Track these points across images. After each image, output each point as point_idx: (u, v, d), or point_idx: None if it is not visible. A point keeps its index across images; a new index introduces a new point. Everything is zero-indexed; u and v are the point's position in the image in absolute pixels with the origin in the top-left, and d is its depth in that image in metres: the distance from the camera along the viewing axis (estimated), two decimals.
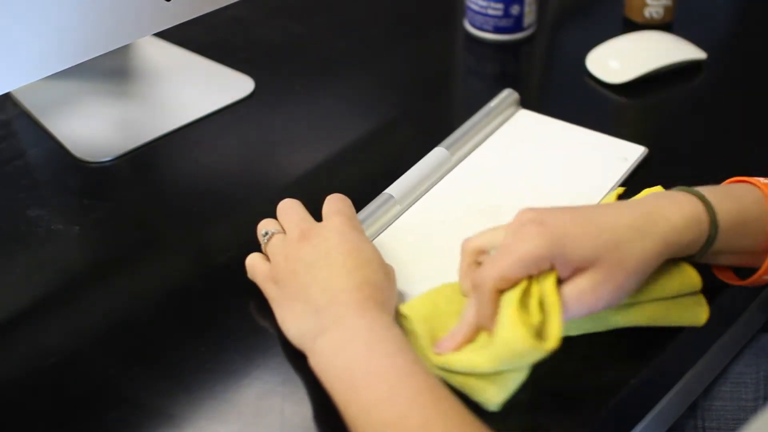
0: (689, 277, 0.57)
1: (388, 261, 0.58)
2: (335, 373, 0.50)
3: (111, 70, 0.89)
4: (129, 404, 0.55)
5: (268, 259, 0.60)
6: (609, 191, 0.68)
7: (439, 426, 0.46)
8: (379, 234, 0.66)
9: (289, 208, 0.62)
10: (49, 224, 0.70)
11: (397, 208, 0.67)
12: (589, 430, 0.53)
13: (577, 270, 0.51)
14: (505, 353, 0.50)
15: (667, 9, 0.95)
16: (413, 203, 0.69)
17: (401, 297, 0.59)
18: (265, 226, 0.62)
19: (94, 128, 0.81)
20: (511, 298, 0.50)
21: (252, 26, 0.98)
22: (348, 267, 0.54)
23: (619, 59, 0.87)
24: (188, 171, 0.78)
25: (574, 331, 0.56)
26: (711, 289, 0.61)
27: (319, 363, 0.52)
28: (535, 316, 0.50)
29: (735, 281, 0.60)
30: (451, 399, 0.48)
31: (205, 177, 0.76)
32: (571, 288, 0.51)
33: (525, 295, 0.51)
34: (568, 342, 0.55)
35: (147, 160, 0.77)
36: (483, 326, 0.53)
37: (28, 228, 0.69)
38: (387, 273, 0.56)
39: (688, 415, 0.68)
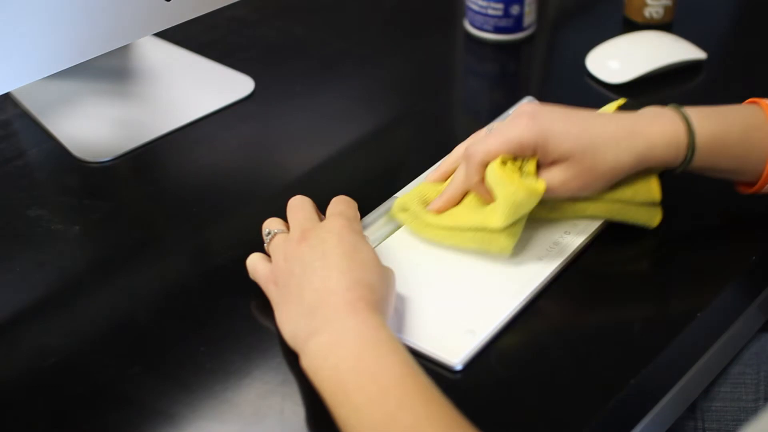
0: (651, 190, 0.63)
1: (392, 265, 0.58)
2: (325, 374, 0.50)
3: (111, 70, 0.89)
4: (129, 404, 0.55)
5: (270, 258, 0.60)
6: None
7: (429, 427, 0.46)
8: (386, 238, 0.65)
9: (297, 207, 0.62)
10: (49, 224, 0.70)
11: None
12: (589, 430, 0.53)
13: (555, 162, 0.59)
14: (511, 207, 0.58)
15: (667, 9, 0.95)
16: None
17: (404, 301, 0.59)
18: (268, 225, 0.61)
19: (94, 128, 0.81)
20: (497, 163, 0.59)
21: (252, 26, 0.98)
22: (342, 268, 0.54)
23: (619, 59, 0.87)
24: (188, 171, 0.78)
25: (535, 215, 0.62)
26: (711, 289, 0.62)
27: (310, 365, 0.52)
28: (518, 174, 0.59)
29: (744, 190, 0.64)
30: (442, 400, 0.48)
31: (205, 177, 0.76)
32: (545, 174, 0.59)
33: (508, 164, 0.59)
34: (568, 342, 0.55)
35: (147, 160, 0.77)
36: (469, 189, 0.62)
37: (28, 228, 0.69)
38: (383, 275, 0.56)
39: (687, 415, 0.68)
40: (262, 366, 0.57)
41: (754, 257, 0.64)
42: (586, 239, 0.64)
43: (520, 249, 0.62)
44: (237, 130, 0.81)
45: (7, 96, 0.85)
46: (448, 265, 0.62)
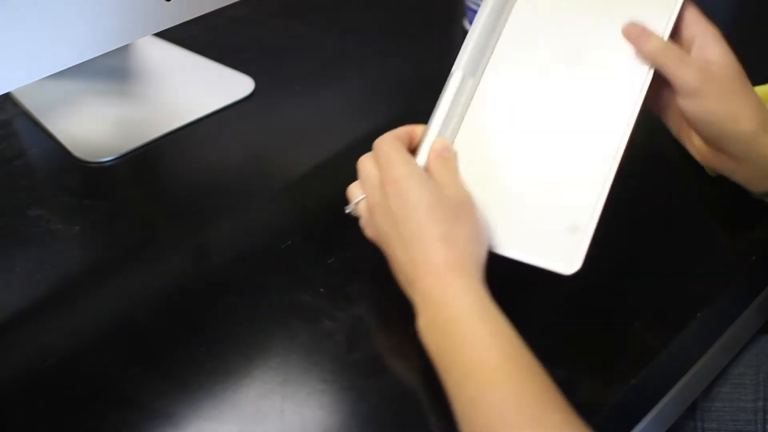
0: None
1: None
2: (430, 351, 0.51)
3: (111, 70, 0.89)
4: (129, 404, 0.55)
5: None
6: None
7: (516, 406, 0.46)
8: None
9: (373, 154, 0.59)
10: (49, 224, 0.70)
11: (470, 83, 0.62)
12: (589, 430, 0.53)
13: None
14: None
15: None
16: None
17: (486, 205, 0.56)
18: (351, 195, 0.60)
19: (94, 128, 0.81)
20: None
21: (252, 26, 0.98)
22: (430, 231, 0.52)
23: None
24: (188, 171, 0.78)
25: None
26: (711, 290, 0.62)
27: (422, 337, 0.52)
28: None
29: None
30: (538, 376, 0.48)
31: (205, 177, 0.76)
32: None
33: None
34: (567, 341, 0.55)
35: (147, 160, 0.77)
36: None
37: (28, 228, 0.69)
38: (473, 221, 0.54)
39: (687, 415, 0.68)
40: (262, 366, 0.57)
41: (754, 257, 0.64)
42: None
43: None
44: (237, 130, 0.81)
45: (7, 96, 0.85)
46: (520, 151, 0.58)
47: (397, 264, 0.54)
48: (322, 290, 0.62)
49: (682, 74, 0.59)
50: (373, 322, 0.60)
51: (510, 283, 0.63)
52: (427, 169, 0.57)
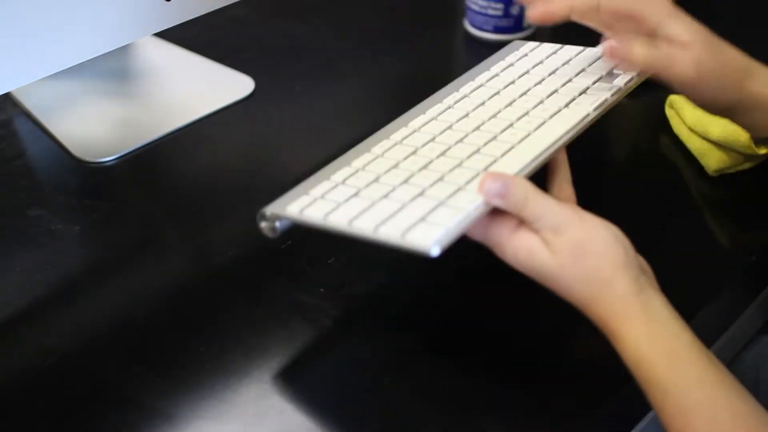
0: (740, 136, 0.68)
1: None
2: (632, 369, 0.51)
3: (111, 70, 0.89)
4: (129, 404, 0.55)
5: None
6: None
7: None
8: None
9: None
10: (49, 224, 0.70)
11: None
12: (589, 430, 0.53)
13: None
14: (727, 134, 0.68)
15: None
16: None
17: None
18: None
19: (94, 128, 0.81)
20: None
21: (252, 26, 0.98)
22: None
23: None
24: (188, 171, 0.78)
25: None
26: (711, 290, 0.62)
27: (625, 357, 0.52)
28: None
29: None
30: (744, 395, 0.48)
31: (205, 177, 0.76)
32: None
33: None
34: (568, 341, 0.55)
35: (147, 160, 0.77)
36: None
37: (28, 228, 0.69)
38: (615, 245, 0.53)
39: None
40: (262, 366, 0.57)
41: (754, 257, 0.64)
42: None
43: None
44: (237, 130, 0.81)
45: (7, 96, 0.85)
46: None
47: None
48: (322, 290, 0.62)
49: (678, 71, 0.60)
50: (373, 321, 0.60)
51: (509, 283, 0.63)
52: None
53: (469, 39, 0.95)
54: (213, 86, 0.87)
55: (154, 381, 0.56)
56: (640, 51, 0.60)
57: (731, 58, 0.62)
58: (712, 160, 0.70)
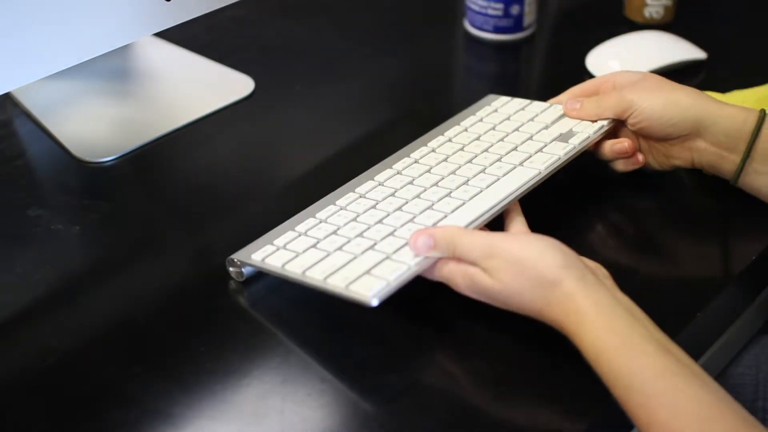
0: None
1: None
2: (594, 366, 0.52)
3: (111, 70, 0.89)
4: (129, 404, 0.55)
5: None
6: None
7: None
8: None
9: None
10: (49, 224, 0.70)
11: None
12: (588, 430, 0.53)
13: None
14: None
15: (667, 9, 0.95)
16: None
17: None
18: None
19: (94, 128, 0.81)
20: None
21: (252, 26, 0.98)
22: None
23: (619, 59, 0.87)
24: (188, 171, 0.78)
25: None
26: (711, 290, 0.62)
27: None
28: None
29: None
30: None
31: (204, 177, 0.76)
32: None
33: None
34: (568, 341, 0.55)
35: (147, 160, 0.77)
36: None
37: (28, 228, 0.69)
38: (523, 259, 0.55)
39: None
40: (262, 366, 0.57)
41: (754, 257, 0.64)
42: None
43: None
44: (237, 130, 0.81)
45: (7, 96, 0.85)
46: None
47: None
48: None
49: (621, 100, 0.67)
50: (373, 321, 0.60)
51: None
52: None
53: (469, 39, 0.95)
54: (213, 86, 0.87)
55: (154, 381, 0.56)
56: (589, 102, 0.69)
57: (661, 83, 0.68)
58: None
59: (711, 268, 0.64)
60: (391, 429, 0.53)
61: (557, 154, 0.66)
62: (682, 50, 0.88)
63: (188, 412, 0.54)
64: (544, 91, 0.89)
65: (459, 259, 0.56)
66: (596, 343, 0.51)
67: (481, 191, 0.63)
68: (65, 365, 0.58)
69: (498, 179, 0.64)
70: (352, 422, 0.53)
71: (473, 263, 0.55)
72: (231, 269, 0.62)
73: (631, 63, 0.86)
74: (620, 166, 0.69)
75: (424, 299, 0.60)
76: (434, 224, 0.60)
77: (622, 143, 0.68)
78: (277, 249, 0.60)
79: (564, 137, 0.68)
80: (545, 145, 0.68)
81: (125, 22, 0.73)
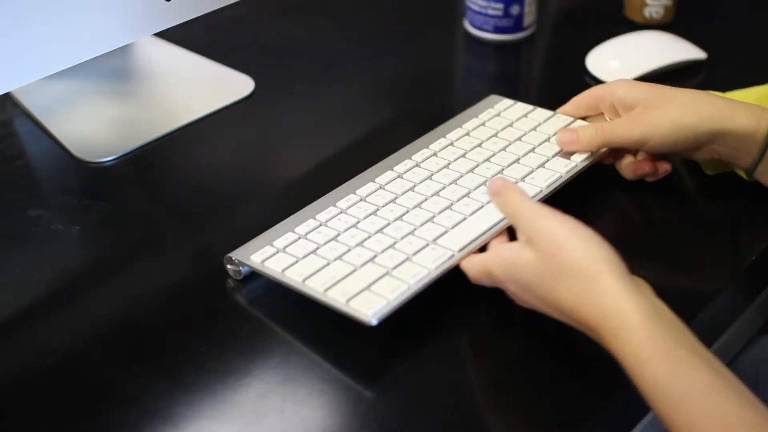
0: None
1: None
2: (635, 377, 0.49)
3: (111, 70, 0.89)
4: (129, 404, 0.55)
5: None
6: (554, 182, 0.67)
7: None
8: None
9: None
10: (49, 224, 0.70)
11: None
12: (589, 430, 0.53)
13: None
14: None
15: (667, 9, 0.95)
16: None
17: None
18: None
19: (94, 128, 0.81)
20: None
21: (252, 26, 0.98)
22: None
23: (619, 59, 0.87)
24: (188, 171, 0.78)
25: None
26: (711, 290, 0.62)
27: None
28: None
29: None
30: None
31: (204, 177, 0.76)
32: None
33: None
34: (568, 341, 0.55)
35: (147, 160, 0.77)
36: None
37: (28, 228, 0.69)
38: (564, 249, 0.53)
39: None
40: (262, 366, 0.57)
41: (754, 257, 0.64)
42: None
43: None
44: (237, 130, 0.81)
45: (7, 96, 0.85)
46: None
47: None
48: None
49: (629, 137, 0.65)
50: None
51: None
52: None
53: (469, 39, 0.95)
54: (213, 86, 0.87)
55: (154, 381, 0.56)
56: (586, 129, 0.68)
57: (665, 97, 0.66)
58: (708, 163, 0.70)
59: (711, 269, 0.64)
60: (391, 429, 0.53)
61: (559, 171, 0.66)
62: (682, 50, 0.88)
63: (188, 412, 0.54)
64: (544, 91, 0.89)
65: (493, 246, 0.57)
66: (639, 353, 0.47)
67: (482, 207, 0.63)
68: (65, 365, 0.58)
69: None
70: (352, 422, 0.53)
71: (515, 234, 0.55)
72: (229, 267, 0.62)
73: (631, 63, 0.86)
74: (649, 178, 0.69)
75: (424, 300, 0.60)
76: (434, 239, 0.60)
77: (643, 168, 0.68)
78: (277, 251, 0.60)
79: (566, 154, 0.68)
80: (547, 160, 0.68)
81: (125, 22, 0.73)
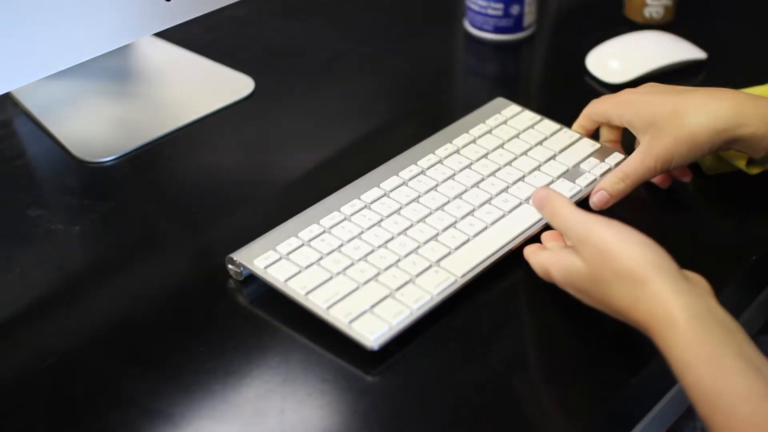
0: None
1: None
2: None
3: (111, 70, 0.89)
4: (128, 404, 0.55)
5: None
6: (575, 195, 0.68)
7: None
8: None
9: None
10: (49, 224, 0.70)
11: None
12: (589, 430, 0.53)
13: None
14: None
15: (667, 9, 0.95)
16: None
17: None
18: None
19: (94, 128, 0.81)
20: None
21: (252, 26, 0.98)
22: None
23: (619, 59, 0.87)
24: (188, 171, 0.78)
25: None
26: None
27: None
28: None
29: None
30: None
31: (205, 177, 0.76)
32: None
33: None
34: (568, 341, 0.55)
35: (147, 160, 0.77)
36: None
37: (28, 228, 0.69)
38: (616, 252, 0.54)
39: (686, 416, 0.68)
40: (262, 366, 0.57)
41: (754, 257, 0.64)
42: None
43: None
44: (237, 130, 0.81)
45: (7, 96, 0.85)
46: None
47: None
48: None
49: (653, 170, 0.65)
50: None
51: (505, 284, 0.63)
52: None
53: (469, 39, 0.95)
54: (213, 86, 0.87)
55: (154, 381, 0.56)
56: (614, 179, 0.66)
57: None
58: (707, 163, 0.70)
59: (711, 269, 0.64)
60: (391, 429, 0.53)
61: (564, 195, 0.66)
62: (682, 50, 0.88)
63: (188, 412, 0.54)
64: (544, 91, 0.89)
65: (553, 247, 0.59)
66: (684, 355, 0.48)
67: (486, 228, 0.63)
68: (65, 365, 0.58)
69: (503, 215, 0.64)
70: (352, 422, 0.53)
71: (566, 242, 0.57)
72: (230, 267, 0.62)
73: (631, 63, 0.86)
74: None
75: None
76: (438, 261, 0.60)
77: (666, 182, 0.69)
78: (280, 258, 0.60)
79: (571, 175, 0.68)
80: (552, 181, 0.68)
81: (125, 22, 0.73)
